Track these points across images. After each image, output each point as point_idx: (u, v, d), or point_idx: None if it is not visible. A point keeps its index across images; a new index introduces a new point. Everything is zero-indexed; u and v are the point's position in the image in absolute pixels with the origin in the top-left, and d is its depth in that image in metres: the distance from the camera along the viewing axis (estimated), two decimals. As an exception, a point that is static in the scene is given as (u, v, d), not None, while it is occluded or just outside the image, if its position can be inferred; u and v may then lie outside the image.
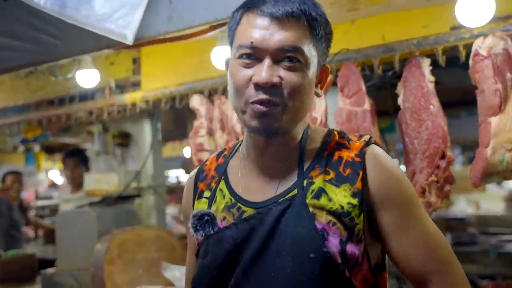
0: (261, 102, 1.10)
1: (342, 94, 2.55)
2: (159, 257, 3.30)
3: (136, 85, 3.54)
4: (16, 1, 2.30)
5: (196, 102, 3.07)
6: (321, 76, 1.23)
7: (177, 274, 2.86)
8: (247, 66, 1.13)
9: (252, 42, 1.11)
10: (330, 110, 2.58)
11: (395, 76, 2.58)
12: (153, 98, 3.30)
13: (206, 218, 1.21)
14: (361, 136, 1.22)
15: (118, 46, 2.38)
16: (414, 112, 2.37)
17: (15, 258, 4.07)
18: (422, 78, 2.36)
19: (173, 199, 8.72)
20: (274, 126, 1.13)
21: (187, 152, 7.33)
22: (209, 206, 1.25)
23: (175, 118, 5.27)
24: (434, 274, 1.13)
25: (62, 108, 3.79)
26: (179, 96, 3.19)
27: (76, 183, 4.33)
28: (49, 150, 6.57)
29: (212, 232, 1.19)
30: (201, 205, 1.27)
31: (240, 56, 1.14)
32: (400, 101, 2.44)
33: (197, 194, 1.30)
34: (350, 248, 1.10)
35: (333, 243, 1.09)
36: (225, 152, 1.35)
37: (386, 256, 1.23)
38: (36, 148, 6.36)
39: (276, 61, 1.12)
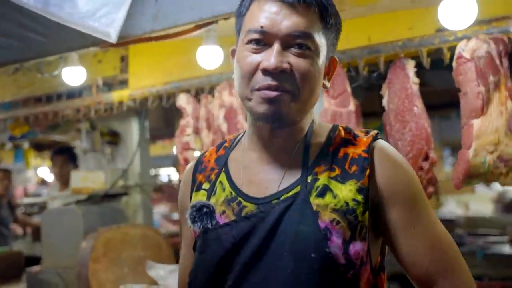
0: (269, 87, 1.07)
1: (328, 95, 2.56)
2: (145, 255, 3.29)
3: (124, 83, 3.52)
4: (0, -2, 2.29)
5: (183, 101, 3.07)
6: (329, 68, 1.20)
7: (162, 273, 2.85)
8: (256, 52, 1.10)
9: (262, 27, 1.09)
10: (316, 110, 2.57)
11: (380, 78, 2.59)
12: (140, 97, 3.29)
13: (205, 210, 1.17)
14: (367, 132, 1.19)
15: (104, 44, 2.38)
16: (398, 114, 2.38)
17: (2, 255, 4.04)
18: (407, 79, 2.37)
19: (164, 197, 8.70)
20: (283, 112, 1.09)
21: (177, 150, 7.29)
22: (208, 198, 1.21)
23: (165, 117, 5.26)
24: (440, 276, 1.10)
25: (49, 105, 3.77)
26: (166, 95, 3.18)
27: (64, 181, 4.31)
28: (38, 147, 6.53)
29: (210, 225, 1.16)
30: (200, 197, 1.23)
31: (249, 42, 1.11)
32: (384, 102, 2.45)
33: (196, 186, 1.26)
34: (354, 247, 1.07)
35: (336, 243, 1.06)
36: (226, 144, 1.31)
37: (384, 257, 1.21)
38: (25, 145, 6.32)
39: (286, 47, 1.09)
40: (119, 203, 3.68)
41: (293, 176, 1.14)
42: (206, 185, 1.24)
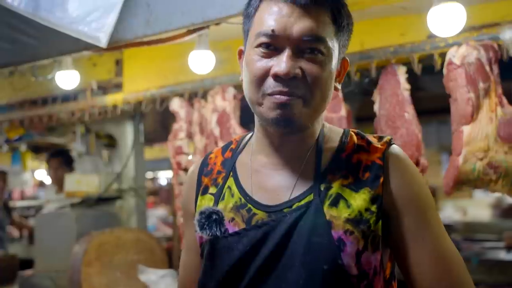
0: (280, 93, 1.04)
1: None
2: (138, 259, 3.29)
3: (119, 86, 3.53)
4: (-7, 2, 2.30)
5: (176, 105, 3.07)
6: (340, 69, 1.16)
7: (153, 277, 2.85)
8: (266, 56, 1.06)
9: (273, 30, 1.04)
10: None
11: (372, 83, 2.59)
12: (134, 100, 3.30)
13: (214, 217, 1.12)
14: (381, 138, 1.15)
15: (96, 48, 2.38)
16: (389, 119, 2.38)
17: (-4, 259, 4.05)
18: (398, 85, 2.38)
19: (162, 200, 8.70)
20: (294, 117, 1.05)
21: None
22: (216, 203, 1.17)
23: (162, 120, 5.26)
24: None
25: (44, 108, 3.77)
26: (159, 99, 3.19)
27: (60, 184, 4.31)
28: (36, 149, 6.53)
29: (219, 233, 1.11)
30: (206, 202, 1.20)
31: (259, 45, 1.07)
32: (376, 108, 2.45)
33: (201, 189, 1.22)
34: (367, 258, 1.04)
35: (349, 254, 1.03)
36: (232, 146, 1.27)
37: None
38: (23, 147, 6.31)
39: (298, 51, 1.05)
40: (113, 206, 3.68)
41: (306, 183, 1.10)
42: (212, 189, 1.20)
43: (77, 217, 3.35)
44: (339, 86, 1.17)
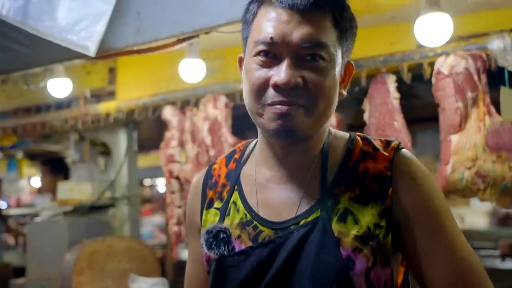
0: (281, 103, 0.99)
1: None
2: (130, 268, 3.28)
3: (112, 94, 3.53)
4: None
5: (168, 113, 3.08)
6: (345, 75, 1.11)
7: (144, 286, 2.85)
8: (265, 65, 1.02)
9: (272, 38, 1.00)
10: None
11: (363, 92, 2.60)
12: (126, 108, 3.30)
13: (222, 235, 1.10)
14: (388, 143, 1.09)
15: (87, 57, 2.39)
16: (378, 128, 2.38)
17: (-11, 267, 4.04)
18: (387, 94, 2.38)
19: (160, 208, 8.67)
20: (296, 128, 1.00)
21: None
22: (222, 219, 1.14)
23: (158, 127, 5.25)
24: None
25: (37, 116, 3.78)
26: (152, 107, 3.19)
27: (49, 191, 4.31)
28: (32, 157, 6.52)
29: (226, 252, 1.09)
30: (211, 217, 1.17)
31: (257, 53, 1.02)
32: (366, 117, 2.46)
33: (206, 203, 1.19)
34: (376, 274, 1.00)
35: (358, 272, 0.99)
36: (236, 156, 1.23)
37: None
38: (19, 155, 6.31)
39: (298, 59, 1.00)
40: (106, 215, 3.67)
41: (312, 198, 1.06)
42: (218, 204, 1.17)
43: (69, 225, 3.34)
44: (344, 92, 1.11)
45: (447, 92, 2.16)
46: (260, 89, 1.02)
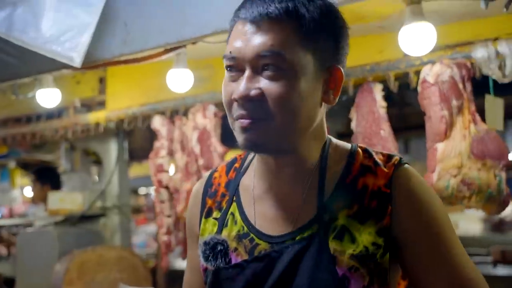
0: (242, 117, 0.99)
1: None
2: (121, 278, 3.27)
3: (102, 104, 3.53)
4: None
5: (157, 123, 3.07)
6: (330, 80, 1.04)
7: (133, 296, 2.83)
8: (232, 80, 1.02)
9: (231, 52, 1.01)
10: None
11: (350, 101, 2.60)
12: (116, 118, 3.30)
13: (219, 248, 1.10)
14: (389, 158, 1.06)
15: (74, 67, 2.39)
16: (365, 137, 2.39)
17: (-21, 278, 4.01)
18: (374, 103, 2.39)
19: (154, 217, 8.64)
20: (262, 141, 0.99)
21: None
22: (219, 229, 1.13)
23: (151, 137, 5.25)
24: None
25: (27, 126, 3.77)
26: (141, 117, 3.19)
27: (37, 200, 4.30)
28: (25, 166, 6.50)
29: (222, 265, 1.08)
30: (210, 226, 1.16)
31: (226, 68, 1.03)
32: (353, 125, 2.47)
33: (205, 211, 1.18)
34: None
35: None
36: (236, 165, 1.21)
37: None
38: (11, 164, 6.29)
39: (256, 71, 0.98)
40: (97, 224, 3.66)
41: (309, 212, 1.04)
42: (216, 214, 1.16)
43: (59, 235, 3.33)
44: (333, 99, 1.05)
45: (433, 101, 2.17)
46: (229, 104, 1.02)
